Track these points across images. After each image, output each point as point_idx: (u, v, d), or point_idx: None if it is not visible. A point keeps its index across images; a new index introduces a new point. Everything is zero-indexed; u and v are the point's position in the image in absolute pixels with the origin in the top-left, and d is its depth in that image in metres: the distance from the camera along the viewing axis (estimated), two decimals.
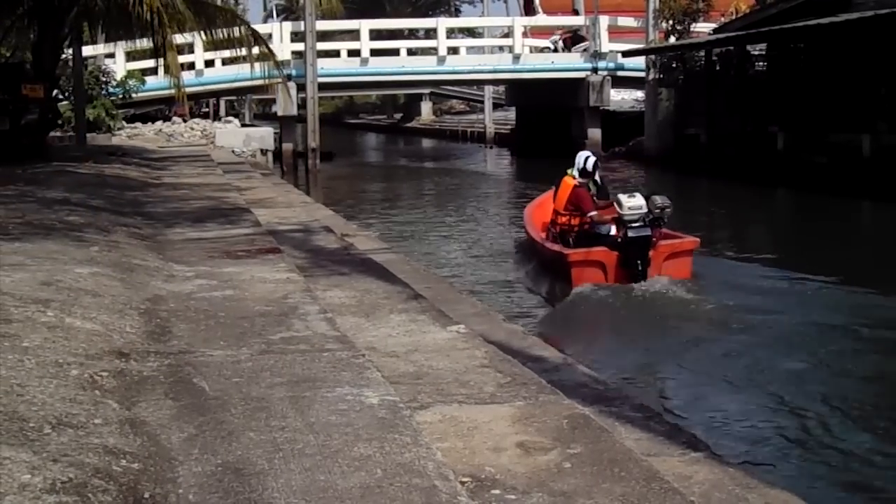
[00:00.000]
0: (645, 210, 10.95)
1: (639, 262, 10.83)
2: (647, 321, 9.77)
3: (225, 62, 30.67)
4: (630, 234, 10.86)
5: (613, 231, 11.28)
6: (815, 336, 9.33)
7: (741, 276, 12.24)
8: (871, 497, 6.03)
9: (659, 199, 11.13)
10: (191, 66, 30.08)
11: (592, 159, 12.12)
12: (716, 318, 9.73)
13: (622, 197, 11.08)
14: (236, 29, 17.89)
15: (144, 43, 18.34)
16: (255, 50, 18.12)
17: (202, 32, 18.08)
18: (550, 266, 11.64)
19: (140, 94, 27.18)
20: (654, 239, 10.97)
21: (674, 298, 10.34)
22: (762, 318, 9.81)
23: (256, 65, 18.73)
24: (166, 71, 16.91)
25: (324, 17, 32.90)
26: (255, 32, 18.63)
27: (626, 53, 32.98)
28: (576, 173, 11.91)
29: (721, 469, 3.85)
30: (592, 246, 11.13)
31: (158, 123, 29.90)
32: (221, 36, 18.25)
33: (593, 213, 11.49)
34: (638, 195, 11.17)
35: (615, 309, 10.21)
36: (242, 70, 25.87)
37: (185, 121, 30.18)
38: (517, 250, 13.73)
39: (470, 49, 39.47)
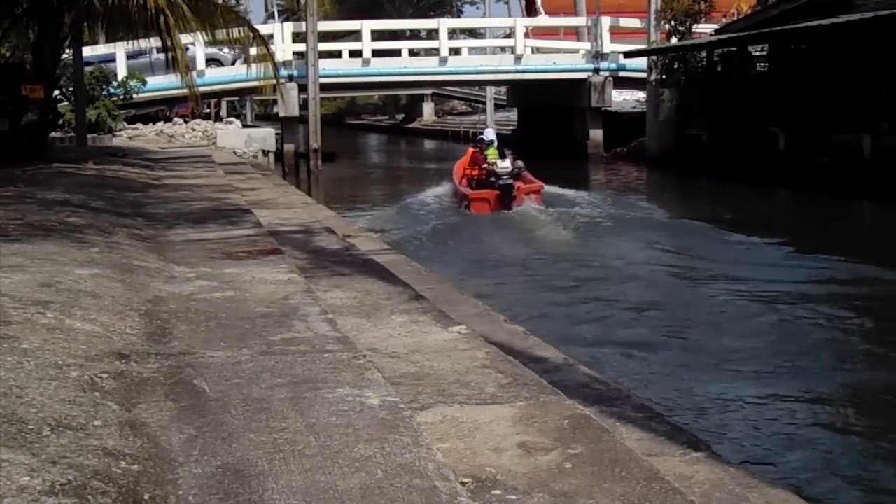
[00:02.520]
0: (510, 169, 18.49)
1: (506, 198, 18.08)
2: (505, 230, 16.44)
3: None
4: (500, 182, 18.27)
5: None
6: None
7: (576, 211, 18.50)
8: (872, 495, 6.02)
9: (519, 163, 18.93)
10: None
11: (487, 138, 20.12)
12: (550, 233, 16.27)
13: (498, 161, 18.74)
14: (238, 30, 17.81)
15: (144, 44, 18.30)
16: (254, 50, 18.05)
17: (203, 33, 18.02)
18: (462, 200, 19.14)
19: (141, 95, 27.20)
20: (516, 186, 18.32)
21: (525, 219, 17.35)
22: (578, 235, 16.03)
23: (256, 65, 18.69)
24: (174, 66, 16.83)
25: (322, 17, 32.94)
26: (256, 32, 18.58)
27: (627, 54, 33.00)
28: (477, 143, 20.80)
29: (722, 469, 3.84)
30: (483, 189, 18.74)
31: (159, 124, 29.90)
32: (223, 36, 18.18)
33: (485, 165, 19.10)
34: (508, 160, 18.79)
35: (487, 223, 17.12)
36: (242, 71, 25.88)
37: (186, 121, 30.19)
38: (450, 192, 20.66)
39: (472, 50, 39.50)
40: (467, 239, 15.83)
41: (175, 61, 16.35)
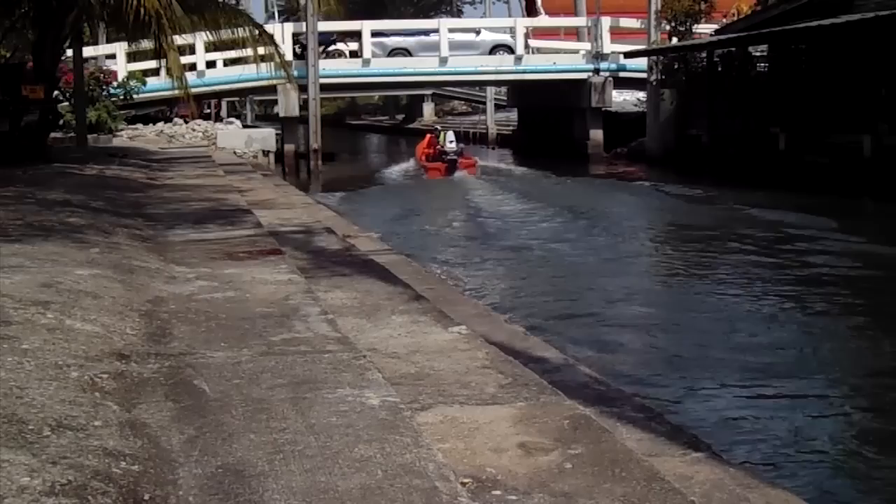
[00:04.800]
0: (455, 148, 27.62)
1: (451, 168, 27.13)
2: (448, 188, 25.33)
3: (226, 63, 30.68)
4: (448, 157, 27.31)
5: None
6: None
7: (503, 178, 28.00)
8: (872, 495, 6.02)
9: (461, 145, 29.08)
10: (192, 66, 30.11)
11: (449, 139, 27.95)
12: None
13: (447, 143, 27.56)
14: (242, 29, 17.65)
15: (144, 44, 18.25)
16: (262, 50, 17.93)
17: (207, 33, 17.89)
18: (422, 169, 28.75)
19: (141, 95, 27.21)
20: (459, 160, 27.49)
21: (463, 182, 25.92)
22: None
23: (263, 65, 18.60)
24: (168, 73, 16.79)
25: (325, 17, 32.92)
26: (263, 31, 18.45)
27: (628, 54, 32.98)
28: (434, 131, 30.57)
29: (722, 469, 3.84)
30: (436, 161, 28.07)
31: (160, 124, 29.90)
32: (229, 35, 18.01)
33: (438, 146, 28.19)
34: (455, 142, 27.91)
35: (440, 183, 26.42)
36: (247, 71, 25.83)
37: (186, 122, 30.19)
38: (414, 165, 31.13)
39: None
40: (420, 192, 25.24)
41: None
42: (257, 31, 17.89)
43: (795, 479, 5.84)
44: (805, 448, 6.64)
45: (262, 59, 18.02)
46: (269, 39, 18.25)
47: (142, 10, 14.50)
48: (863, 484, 6.15)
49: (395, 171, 32.70)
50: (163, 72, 30.46)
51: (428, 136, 30.47)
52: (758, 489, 3.68)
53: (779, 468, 6.06)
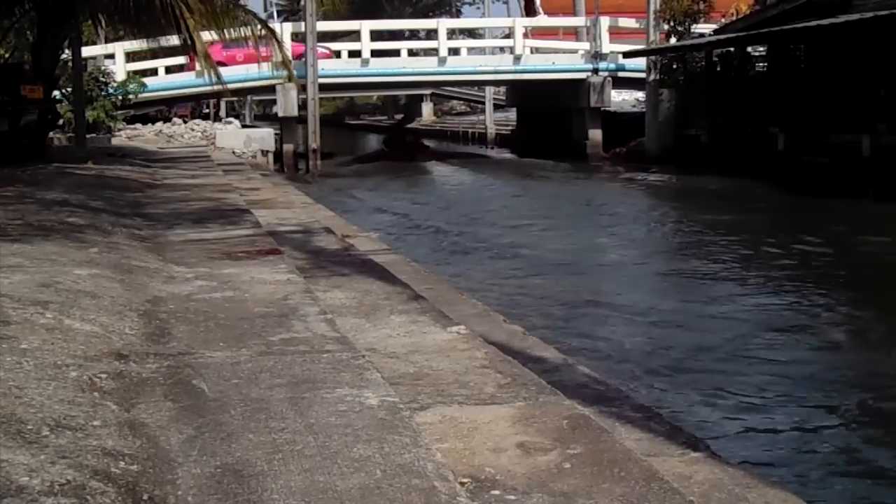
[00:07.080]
0: (413, 137, 44.27)
1: (412, 152, 38.72)
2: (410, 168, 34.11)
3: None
4: (408, 144, 41.15)
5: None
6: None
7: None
8: (871, 496, 6.02)
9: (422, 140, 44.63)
10: (179, 68, 30.12)
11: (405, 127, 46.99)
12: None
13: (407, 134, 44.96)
14: (246, 27, 17.49)
15: (142, 44, 18.21)
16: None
17: (212, 32, 17.84)
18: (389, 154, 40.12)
19: (140, 96, 27.20)
20: (416, 145, 41.30)
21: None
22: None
23: (264, 64, 18.50)
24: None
25: (325, 16, 32.94)
26: (270, 30, 18.35)
27: (626, 54, 33.00)
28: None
29: (721, 469, 3.84)
30: (399, 147, 40.03)
31: (158, 124, 29.91)
32: (233, 35, 17.90)
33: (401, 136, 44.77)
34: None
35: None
36: (251, 70, 25.79)
37: (185, 122, 30.19)
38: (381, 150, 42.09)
39: (471, 50, 39.48)
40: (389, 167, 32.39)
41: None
42: (259, 28, 17.80)
43: (795, 478, 5.85)
44: (805, 448, 6.64)
45: (265, 58, 17.97)
46: (274, 37, 18.16)
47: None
48: (863, 484, 6.15)
49: (371, 154, 43.42)
50: (161, 71, 30.56)
51: (393, 127, 43.18)
52: (756, 489, 3.68)
53: (778, 468, 6.06)
